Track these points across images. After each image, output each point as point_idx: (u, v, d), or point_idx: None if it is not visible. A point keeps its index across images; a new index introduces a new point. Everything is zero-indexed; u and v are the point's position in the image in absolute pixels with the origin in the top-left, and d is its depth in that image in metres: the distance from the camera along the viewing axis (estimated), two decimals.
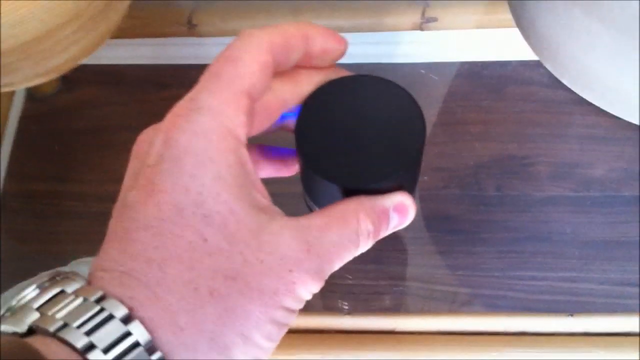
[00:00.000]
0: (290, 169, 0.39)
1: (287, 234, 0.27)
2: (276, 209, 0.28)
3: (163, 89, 0.59)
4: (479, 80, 0.59)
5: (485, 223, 0.52)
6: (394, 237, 0.52)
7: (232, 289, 0.25)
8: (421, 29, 0.52)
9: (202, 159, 0.27)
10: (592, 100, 0.34)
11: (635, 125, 0.54)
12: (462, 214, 0.53)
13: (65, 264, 0.48)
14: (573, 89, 0.34)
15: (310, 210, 0.45)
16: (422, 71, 0.58)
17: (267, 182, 0.34)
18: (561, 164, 0.55)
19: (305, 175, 0.40)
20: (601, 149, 0.55)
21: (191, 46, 0.60)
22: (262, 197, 0.28)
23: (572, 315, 0.24)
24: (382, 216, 0.28)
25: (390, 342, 0.22)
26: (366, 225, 0.28)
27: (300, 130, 0.38)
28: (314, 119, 0.38)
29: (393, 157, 0.37)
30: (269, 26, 0.31)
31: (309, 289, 0.25)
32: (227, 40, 0.58)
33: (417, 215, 0.53)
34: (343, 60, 0.59)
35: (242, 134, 0.28)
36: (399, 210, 0.29)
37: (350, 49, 0.59)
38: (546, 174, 0.54)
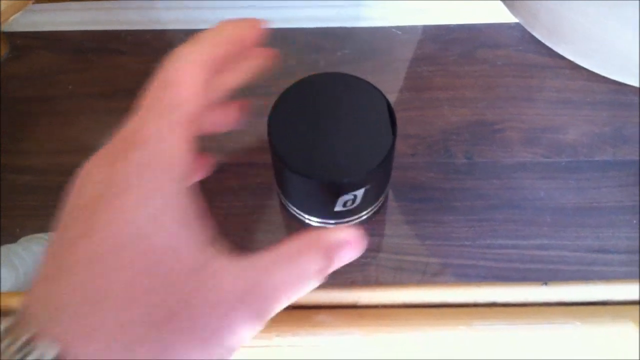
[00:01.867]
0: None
1: (230, 273, 0.25)
2: (220, 245, 0.26)
3: (116, 55, 0.56)
4: (448, 44, 0.57)
5: (454, 191, 0.51)
6: None
7: (171, 328, 0.23)
8: None
9: (141, 195, 0.25)
10: (565, 54, 0.33)
11: (605, 89, 0.53)
12: (431, 181, 0.51)
13: (14, 240, 0.45)
14: (545, 41, 0.33)
15: (284, 206, 0.44)
16: (386, 37, 0.56)
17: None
18: (532, 129, 0.53)
19: (278, 171, 0.40)
20: (572, 113, 0.54)
21: (145, 10, 0.57)
22: (206, 232, 0.26)
23: (546, 284, 0.23)
24: (332, 252, 0.27)
25: (352, 317, 0.21)
26: (315, 263, 0.26)
27: (273, 127, 0.39)
28: (286, 116, 0.39)
29: (365, 153, 0.38)
30: (197, 39, 0.30)
31: (250, 328, 0.24)
32: (181, 4, 0.55)
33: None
34: (307, 24, 0.57)
35: (184, 164, 0.27)
36: (350, 244, 0.28)
37: (315, 13, 0.56)
38: (516, 139, 0.53)
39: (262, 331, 0.21)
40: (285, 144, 0.38)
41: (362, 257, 0.48)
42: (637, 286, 0.22)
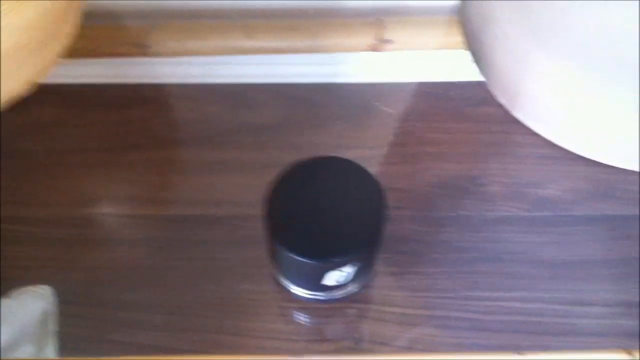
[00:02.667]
0: None
1: None
2: None
3: (115, 110, 0.59)
4: (436, 101, 0.59)
5: (438, 243, 0.53)
6: None
7: None
8: (375, 49, 0.52)
9: None
10: (541, 133, 0.35)
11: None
12: (416, 234, 0.53)
13: (5, 292, 0.47)
14: (524, 121, 0.35)
15: (276, 281, 0.48)
16: (374, 97, 0.59)
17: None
18: (514, 184, 0.55)
19: (273, 248, 0.43)
20: (553, 169, 0.56)
21: (143, 66, 0.59)
22: None
23: (520, 354, 0.24)
24: None
25: None
26: None
27: (270, 207, 0.42)
28: (283, 198, 0.42)
29: (356, 234, 0.41)
30: None
31: None
32: (181, 60, 0.58)
33: None
34: (299, 80, 0.60)
35: None
36: None
37: (308, 69, 0.59)
38: (499, 194, 0.55)
39: None
40: (281, 223, 0.42)
41: (346, 308, 0.50)
42: (604, 356, 0.24)
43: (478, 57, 0.33)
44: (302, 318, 0.48)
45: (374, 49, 0.52)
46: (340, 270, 0.42)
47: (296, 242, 0.41)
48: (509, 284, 0.51)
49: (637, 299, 0.49)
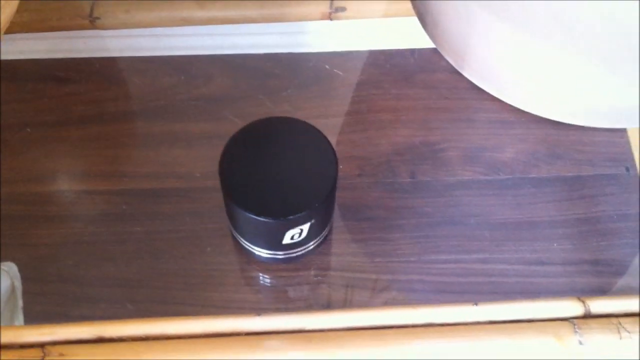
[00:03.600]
0: None
1: None
2: None
3: (65, 84, 0.57)
4: (389, 68, 0.59)
5: (399, 209, 0.53)
6: None
7: None
8: (330, 18, 0.52)
9: None
10: (489, 91, 0.35)
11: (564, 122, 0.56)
12: (377, 201, 0.53)
13: None
14: (471, 79, 0.35)
15: (237, 246, 0.48)
16: (328, 65, 0.58)
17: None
18: (471, 149, 0.56)
19: (230, 209, 0.44)
20: (508, 132, 0.57)
21: (93, 39, 0.58)
22: None
23: (476, 304, 0.25)
24: None
25: (300, 341, 0.22)
26: None
27: (224, 168, 0.43)
28: (236, 158, 0.43)
29: (309, 191, 0.42)
30: None
31: None
32: (131, 32, 0.57)
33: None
34: (254, 50, 0.59)
35: None
36: None
37: (261, 39, 0.58)
38: (457, 159, 0.55)
39: (217, 356, 0.22)
40: (236, 184, 0.42)
41: (313, 276, 0.50)
42: (557, 304, 0.24)
43: (426, 21, 0.34)
44: (267, 281, 0.48)
45: (327, 17, 0.52)
46: (296, 227, 0.42)
47: (251, 201, 0.41)
48: (470, 246, 0.51)
49: (595, 257, 0.51)
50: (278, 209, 0.41)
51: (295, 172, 0.43)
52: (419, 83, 0.58)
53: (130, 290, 0.48)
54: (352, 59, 0.59)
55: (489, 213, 0.53)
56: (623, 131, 0.54)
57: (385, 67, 0.59)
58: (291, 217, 0.41)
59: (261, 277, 0.49)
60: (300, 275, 0.49)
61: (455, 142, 0.56)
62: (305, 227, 0.43)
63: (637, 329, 0.24)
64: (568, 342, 0.23)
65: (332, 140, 0.55)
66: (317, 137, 0.44)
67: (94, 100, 0.56)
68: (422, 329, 0.24)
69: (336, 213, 0.52)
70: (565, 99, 0.31)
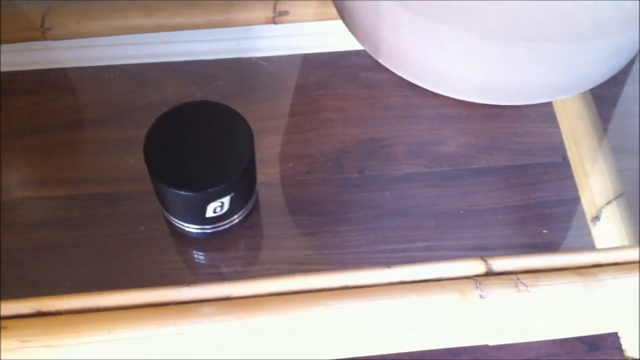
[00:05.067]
0: None
1: None
2: None
3: (20, 96, 0.58)
4: (336, 69, 0.62)
5: (348, 203, 0.55)
6: (261, 224, 0.54)
7: None
8: (274, 22, 0.54)
9: None
10: (405, 77, 0.37)
11: (477, 104, 0.58)
12: (326, 196, 0.55)
13: None
14: (389, 68, 0.37)
15: (167, 221, 0.51)
16: (276, 69, 0.60)
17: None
18: (415, 144, 0.58)
19: (156, 187, 0.47)
20: (450, 126, 0.59)
21: (46, 51, 0.59)
22: None
23: (389, 266, 0.27)
24: None
25: (228, 307, 0.24)
26: None
27: (149, 150, 0.46)
28: (160, 138, 0.47)
29: (226, 167, 0.46)
30: None
31: None
32: (82, 42, 0.58)
33: (283, 201, 0.55)
34: (204, 57, 0.61)
35: None
36: None
37: (210, 45, 0.60)
38: (402, 153, 0.58)
39: (146, 326, 0.24)
40: (159, 162, 0.46)
41: (265, 269, 0.51)
42: (461, 264, 0.27)
43: (344, 16, 0.36)
44: (199, 255, 0.51)
45: (271, 21, 0.54)
46: (217, 200, 0.46)
47: (174, 177, 0.45)
48: (416, 235, 0.53)
49: (534, 241, 0.53)
50: (198, 183, 0.45)
51: (214, 149, 0.47)
52: (364, 82, 0.61)
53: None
54: (299, 61, 0.61)
55: (434, 204, 0.55)
56: (556, 121, 0.57)
57: (331, 68, 0.61)
58: (210, 189, 0.45)
59: (194, 252, 0.52)
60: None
61: (400, 138, 0.58)
62: (226, 200, 0.46)
63: (533, 283, 0.26)
64: (470, 297, 0.26)
65: (282, 139, 0.57)
66: (235, 117, 0.48)
67: (48, 110, 0.58)
68: (339, 291, 0.26)
69: (286, 209, 0.54)
70: (468, 78, 0.34)
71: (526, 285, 0.26)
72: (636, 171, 0.54)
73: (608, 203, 0.46)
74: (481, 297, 0.26)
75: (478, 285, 0.26)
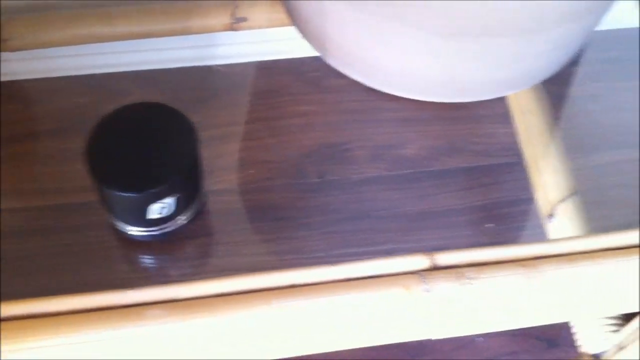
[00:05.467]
0: None
1: None
2: None
3: None
4: (297, 76, 0.62)
5: (309, 208, 0.55)
6: (220, 230, 0.54)
7: None
8: (233, 29, 0.54)
9: None
10: (352, 76, 0.38)
11: (438, 105, 0.59)
12: (287, 201, 0.55)
13: None
14: (337, 68, 0.38)
15: (112, 225, 0.50)
16: (238, 75, 0.61)
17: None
18: (376, 147, 0.59)
19: (98, 189, 0.46)
20: (410, 130, 0.60)
21: (5, 63, 0.59)
22: None
23: (334, 265, 0.28)
24: None
25: (174, 308, 0.24)
26: None
27: (90, 152, 0.45)
28: (101, 142, 0.46)
29: (169, 167, 0.45)
30: None
31: None
32: (40, 53, 0.58)
33: (243, 208, 0.55)
34: (162, 65, 0.61)
35: None
36: None
37: (167, 54, 0.60)
38: (363, 157, 0.58)
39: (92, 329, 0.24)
40: (100, 164, 0.45)
41: (223, 275, 0.51)
42: (406, 259, 0.27)
43: (293, 16, 0.36)
44: (148, 259, 0.51)
45: (230, 28, 0.54)
46: (160, 201, 0.45)
47: (115, 178, 0.45)
48: (377, 238, 0.54)
49: (492, 240, 0.54)
50: (140, 183, 0.44)
51: (157, 150, 0.46)
52: (324, 88, 0.61)
53: None
54: (260, 67, 0.62)
55: (394, 206, 0.56)
56: (512, 122, 0.57)
57: (292, 73, 0.62)
58: (152, 190, 0.44)
59: (142, 256, 0.52)
60: (186, 255, 0.51)
61: (360, 142, 0.59)
62: (171, 200, 0.46)
63: (477, 276, 0.27)
64: (415, 291, 0.26)
65: (243, 146, 0.57)
66: (178, 118, 0.47)
67: (8, 121, 0.57)
68: (284, 290, 0.26)
69: (246, 216, 0.54)
70: (417, 76, 0.34)
71: (469, 279, 0.27)
72: (590, 169, 0.55)
73: (562, 201, 0.46)
74: (426, 291, 0.26)
75: (423, 280, 0.27)
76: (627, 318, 0.40)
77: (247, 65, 0.61)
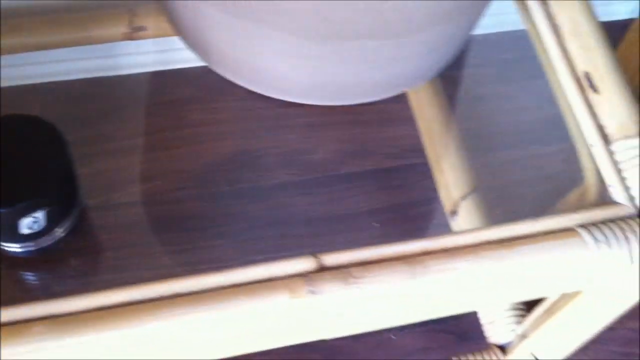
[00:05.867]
0: None
1: None
2: None
3: None
4: (206, 84, 0.62)
5: (222, 217, 0.55)
6: (131, 243, 0.53)
7: None
8: (132, 38, 0.53)
9: None
10: (236, 82, 0.38)
11: (347, 109, 0.60)
12: (199, 211, 0.55)
13: None
14: (218, 71, 0.38)
15: None
16: (145, 86, 0.60)
17: None
18: (287, 153, 0.59)
19: None
20: (321, 135, 0.60)
21: None
22: None
23: (219, 271, 0.28)
24: None
25: (63, 323, 0.24)
26: None
27: None
28: None
29: (38, 181, 0.44)
30: None
31: None
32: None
33: (150, 220, 0.54)
34: (62, 77, 0.59)
35: None
36: None
37: (67, 66, 0.59)
38: (273, 163, 0.58)
39: None
40: None
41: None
42: (292, 262, 0.28)
43: (176, 27, 0.36)
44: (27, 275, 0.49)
45: (129, 37, 0.53)
46: (30, 216, 0.44)
47: None
48: (289, 244, 0.54)
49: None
50: (6, 198, 0.43)
51: (26, 164, 0.45)
52: (231, 96, 0.61)
53: None
54: (166, 76, 0.61)
55: (307, 211, 0.56)
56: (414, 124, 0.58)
57: (199, 83, 0.61)
58: (19, 204, 0.43)
59: (21, 273, 0.50)
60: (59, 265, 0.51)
61: (272, 149, 0.59)
62: (40, 214, 0.45)
63: (362, 275, 0.27)
64: (300, 293, 0.26)
65: (149, 157, 0.57)
66: (49, 130, 0.46)
67: None
68: (169, 300, 0.26)
69: (153, 228, 0.53)
70: (294, 79, 0.35)
71: (355, 278, 0.27)
72: (491, 167, 0.57)
73: (464, 198, 0.48)
74: (312, 292, 0.27)
75: (307, 282, 0.27)
76: (529, 309, 0.42)
77: (152, 74, 0.61)
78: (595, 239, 0.28)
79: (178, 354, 0.26)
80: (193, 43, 0.36)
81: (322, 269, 0.27)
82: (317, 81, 0.34)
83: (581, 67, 0.32)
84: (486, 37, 0.62)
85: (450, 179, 0.49)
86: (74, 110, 0.58)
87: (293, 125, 0.61)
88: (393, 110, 0.60)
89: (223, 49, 0.34)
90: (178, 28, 0.37)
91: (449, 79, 0.61)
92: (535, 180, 0.57)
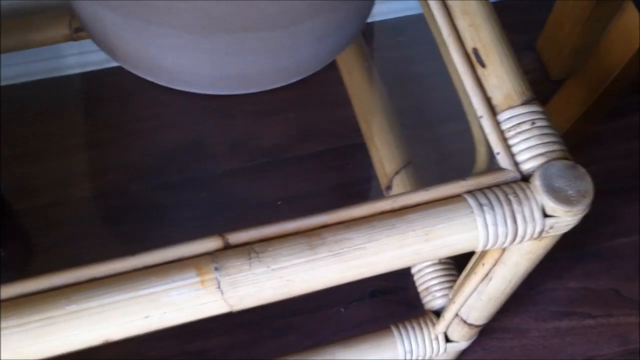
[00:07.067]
0: None
1: None
2: None
3: None
4: (139, 77, 0.63)
5: (171, 207, 0.57)
6: (84, 235, 0.55)
7: None
8: (73, 39, 0.55)
9: None
10: (145, 77, 0.40)
11: (289, 94, 0.62)
12: (149, 202, 0.57)
13: None
14: (124, 66, 0.40)
15: None
16: (86, 85, 0.62)
17: None
18: (233, 141, 0.61)
19: None
20: (264, 121, 0.62)
21: None
22: None
23: (133, 255, 0.30)
24: None
25: None
26: None
27: None
28: None
29: None
30: None
31: None
32: None
33: (103, 213, 0.56)
34: (10, 81, 0.61)
35: None
36: None
37: (10, 70, 0.60)
38: (222, 152, 0.60)
39: None
40: None
41: None
42: (200, 242, 0.30)
43: (85, 27, 0.38)
44: None
45: (70, 38, 0.55)
46: None
47: None
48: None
49: None
50: None
51: None
52: (176, 89, 0.63)
53: None
54: (110, 74, 0.63)
55: (257, 196, 0.58)
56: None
57: (140, 77, 0.63)
58: None
59: None
60: None
61: (218, 137, 0.61)
62: None
63: (264, 250, 0.29)
64: (206, 270, 0.28)
65: (99, 153, 0.59)
66: None
67: None
68: (84, 284, 0.28)
69: (107, 221, 0.55)
70: (195, 72, 0.37)
71: (257, 252, 0.29)
72: (422, 142, 0.59)
73: (397, 172, 0.50)
74: (216, 269, 0.29)
75: (214, 259, 0.29)
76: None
77: (92, 73, 0.62)
78: (479, 203, 0.30)
79: (97, 333, 0.28)
80: (99, 42, 0.38)
81: (228, 247, 0.29)
82: (218, 73, 0.36)
83: (470, 43, 0.34)
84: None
85: (384, 155, 0.51)
86: (17, 114, 0.60)
87: (237, 114, 0.62)
88: (334, 93, 0.62)
89: (125, 47, 0.36)
90: (86, 29, 0.39)
91: (378, 60, 0.63)
92: (465, 153, 0.59)
